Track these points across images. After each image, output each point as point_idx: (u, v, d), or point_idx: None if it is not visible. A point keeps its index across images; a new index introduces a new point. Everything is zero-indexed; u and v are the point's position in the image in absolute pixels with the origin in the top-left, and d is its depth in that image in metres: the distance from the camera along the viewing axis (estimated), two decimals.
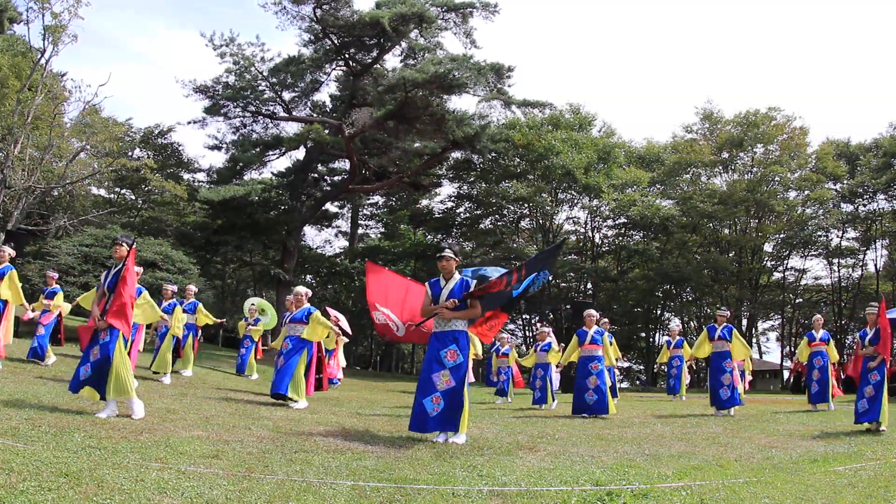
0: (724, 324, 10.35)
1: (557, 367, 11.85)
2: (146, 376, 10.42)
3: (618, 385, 15.42)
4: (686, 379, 15.72)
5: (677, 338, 15.32)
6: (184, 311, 11.33)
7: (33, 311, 10.42)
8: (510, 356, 13.99)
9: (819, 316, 12.03)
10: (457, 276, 5.91)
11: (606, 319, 13.72)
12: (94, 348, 5.69)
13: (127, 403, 5.66)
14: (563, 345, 12.28)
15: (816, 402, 10.85)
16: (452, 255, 5.95)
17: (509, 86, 27.19)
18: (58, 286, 11.02)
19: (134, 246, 6.06)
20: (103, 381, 5.58)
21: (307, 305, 8.57)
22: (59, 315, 10.78)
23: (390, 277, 7.37)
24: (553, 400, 11.44)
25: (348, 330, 14.78)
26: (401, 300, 6.83)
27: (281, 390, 8.11)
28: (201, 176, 34.87)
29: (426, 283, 6.04)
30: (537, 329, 13.98)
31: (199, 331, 12.67)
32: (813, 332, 11.30)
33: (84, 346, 6.09)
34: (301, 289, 8.62)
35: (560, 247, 6.12)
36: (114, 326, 5.70)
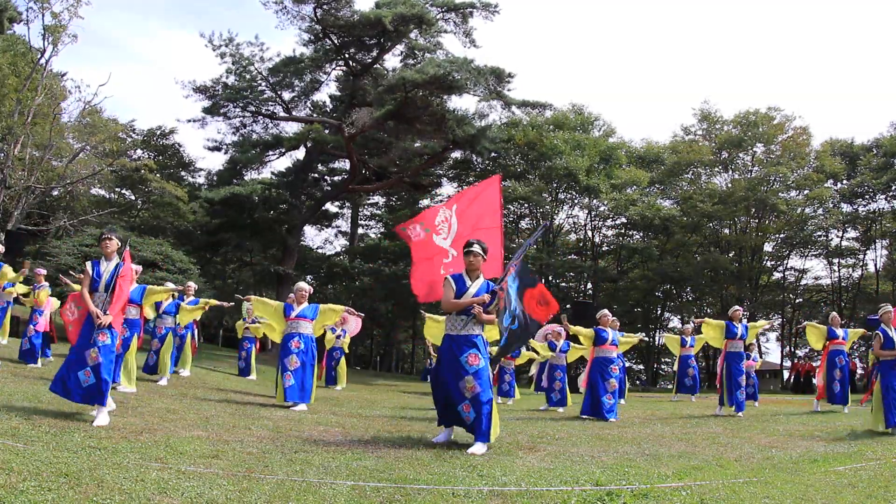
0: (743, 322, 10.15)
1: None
2: (143, 377, 10.38)
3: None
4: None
5: (690, 337, 14.98)
6: (187, 305, 11.19)
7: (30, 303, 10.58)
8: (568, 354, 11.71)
9: (835, 313, 11.74)
10: (482, 278, 5.47)
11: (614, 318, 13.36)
12: (91, 350, 5.43)
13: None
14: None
15: (838, 402, 10.49)
16: (481, 252, 5.43)
17: (509, 90, 27.24)
18: (46, 283, 11.00)
19: (128, 248, 6.00)
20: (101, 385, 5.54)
21: (307, 304, 8.61)
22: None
23: (487, 212, 7.12)
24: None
25: (357, 327, 14.73)
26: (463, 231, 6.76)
27: (305, 400, 8.23)
28: (201, 177, 34.92)
29: (448, 277, 5.53)
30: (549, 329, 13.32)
31: (198, 328, 12.57)
32: (833, 328, 10.88)
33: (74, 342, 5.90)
34: (303, 285, 8.65)
35: (534, 238, 6.06)
36: (113, 327, 5.58)
